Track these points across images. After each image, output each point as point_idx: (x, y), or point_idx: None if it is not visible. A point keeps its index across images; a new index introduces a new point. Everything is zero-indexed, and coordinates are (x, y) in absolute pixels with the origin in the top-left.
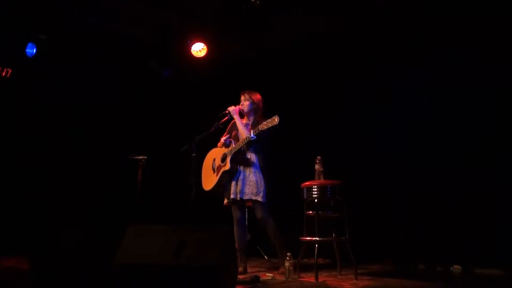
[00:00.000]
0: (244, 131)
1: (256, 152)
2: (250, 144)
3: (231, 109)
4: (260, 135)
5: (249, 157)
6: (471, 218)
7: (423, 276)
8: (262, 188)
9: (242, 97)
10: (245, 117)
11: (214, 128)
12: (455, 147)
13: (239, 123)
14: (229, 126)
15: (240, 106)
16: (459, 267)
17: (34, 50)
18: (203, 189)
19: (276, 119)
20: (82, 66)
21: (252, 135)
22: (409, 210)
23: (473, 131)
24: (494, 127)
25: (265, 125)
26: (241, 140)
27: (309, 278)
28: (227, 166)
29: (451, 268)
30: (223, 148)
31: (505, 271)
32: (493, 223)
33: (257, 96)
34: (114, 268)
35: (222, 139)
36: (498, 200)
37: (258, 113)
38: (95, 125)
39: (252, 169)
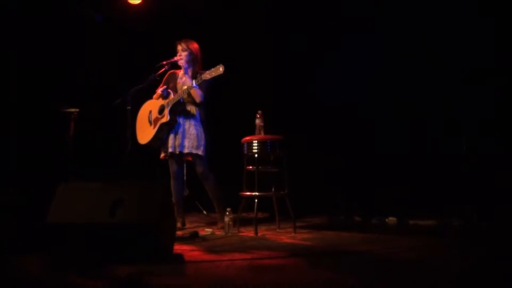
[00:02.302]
0: (189, 81)
1: (197, 104)
2: (191, 96)
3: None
4: (202, 85)
5: (189, 109)
6: (406, 173)
7: (359, 228)
8: (202, 142)
9: (179, 47)
10: (183, 69)
11: (150, 79)
12: (392, 104)
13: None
14: (165, 77)
15: (177, 57)
16: (394, 218)
17: None
18: (138, 143)
19: (220, 68)
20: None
21: (194, 84)
22: (346, 164)
23: (415, 90)
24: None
25: (208, 74)
26: (181, 90)
27: (248, 232)
28: (166, 117)
29: (386, 220)
30: (160, 99)
31: (438, 222)
32: (427, 177)
33: (195, 46)
34: (46, 228)
35: (159, 90)
36: (430, 155)
37: (197, 64)
38: (22, 75)
39: (192, 122)
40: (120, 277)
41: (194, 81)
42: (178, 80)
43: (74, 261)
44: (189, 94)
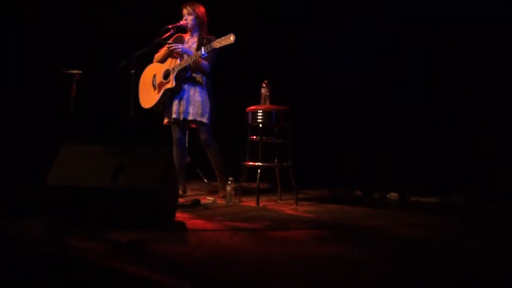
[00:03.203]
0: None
1: (203, 72)
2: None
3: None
4: (210, 53)
5: (194, 75)
6: (409, 149)
7: (361, 202)
8: (207, 109)
9: (185, 11)
10: (188, 33)
11: (155, 43)
12: (398, 79)
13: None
14: (171, 40)
15: (183, 22)
16: (396, 194)
17: None
18: (141, 107)
19: (231, 37)
20: None
21: (203, 52)
22: (348, 138)
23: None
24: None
25: (218, 42)
26: (190, 56)
27: (249, 202)
28: (171, 83)
29: (388, 195)
30: (165, 64)
31: (440, 199)
32: (430, 154)
33: (201, 9)
34: (46, 190)
35: (161, 51)
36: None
37: (203, 29)
38: (22, 32)
39: (197, 89)
40: (121, 243)
41: (203, 48)
42: (185, 45)
43: (75, 225)
44: (194, 62)
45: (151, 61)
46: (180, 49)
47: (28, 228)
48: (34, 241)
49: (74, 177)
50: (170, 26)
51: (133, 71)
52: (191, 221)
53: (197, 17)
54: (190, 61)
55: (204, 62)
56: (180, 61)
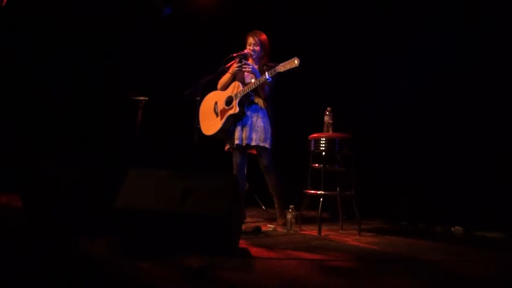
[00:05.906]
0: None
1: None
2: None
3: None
4: (274, 78)
5: (257, 101)
6: (475, 182)
7: (424, 235)
8: (269, 135)
9: (251, 40)
10: (251, 61)
11: (220, 71)
12: (466, 106)
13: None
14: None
15: (248, 50)
16: (461, 228)
17: None
18: (202, 134)
19: (296, 61)
20: None
21: (268, 77)
22: (413, 170)
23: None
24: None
25: (282, 66)
26: (253, 82)
27: (310, 231)
28: (235, 109)
29: (452, 229)
30: (227, 91)
31: (507, 235)
32: (495, 187)
33: (265, 37)
34: (114, 212)
35: (224, 79)
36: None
37: (266, 57)
38: (94, 62)
39: (260, 115)
40: (192, 268)
41: (267, 73)
42: (247, 73)
43: (141, 246)
44: (257, 87)
45: (215, 89)
46: (250, 69)
47: (97, 247)
48: (103, 260)
49: (142, 200)
50: (235, 55)
51: (199, 98)
52: (254, 249)
53: (263, 48)
54: (253, 87)
55: (266, 87)
56: (243, 87)
